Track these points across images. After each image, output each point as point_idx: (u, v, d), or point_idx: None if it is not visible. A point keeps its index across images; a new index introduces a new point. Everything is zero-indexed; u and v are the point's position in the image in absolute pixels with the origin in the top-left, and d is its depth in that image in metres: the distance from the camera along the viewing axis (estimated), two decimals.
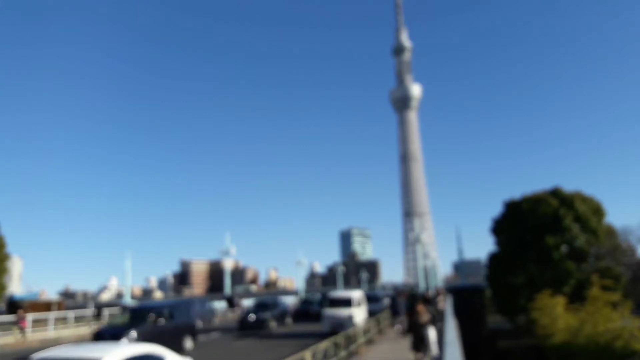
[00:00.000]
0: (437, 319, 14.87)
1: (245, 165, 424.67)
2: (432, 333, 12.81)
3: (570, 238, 47.80)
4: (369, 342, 19.98)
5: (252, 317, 29.09)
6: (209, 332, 28.84)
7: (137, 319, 18.78)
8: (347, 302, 24.47)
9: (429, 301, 26.02)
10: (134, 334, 17.43)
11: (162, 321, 18.95)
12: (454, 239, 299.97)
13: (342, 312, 23.72)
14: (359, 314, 24.20)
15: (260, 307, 31.92)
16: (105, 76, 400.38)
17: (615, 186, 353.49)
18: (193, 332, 21.19)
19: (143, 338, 17.31)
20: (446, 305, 30.31)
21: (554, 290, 39.07)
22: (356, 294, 25.61)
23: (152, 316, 18.84)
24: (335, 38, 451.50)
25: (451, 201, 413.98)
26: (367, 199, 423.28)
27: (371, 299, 36.10)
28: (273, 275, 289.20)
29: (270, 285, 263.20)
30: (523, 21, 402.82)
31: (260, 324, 28.83)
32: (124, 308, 21.89)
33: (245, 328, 28.81)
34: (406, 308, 27.85)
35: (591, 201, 51.02)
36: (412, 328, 13.07)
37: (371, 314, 29.47)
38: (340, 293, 27.32)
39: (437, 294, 35.46)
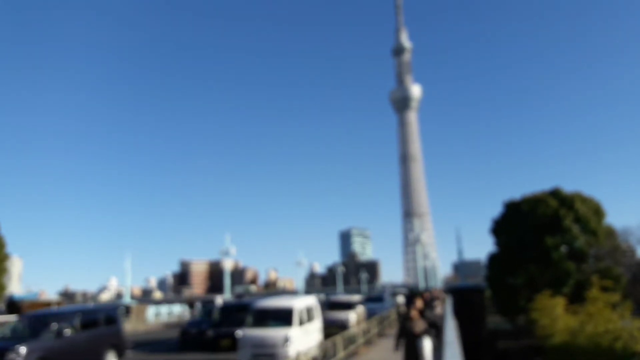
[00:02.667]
0: (434, 326, 12.44)
1: (245, 165, 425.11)
2: (427, 345, 10.62)
3: (570, 239, 47.83)
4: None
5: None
6: (146, 345, 24.46)
7: (38, 329, 14.52)
8: (283, 317, 15.31)
9: (426, 304, 20.68)
10: (22, 350, 13.21)
11: (68, 332, 14.85)
12: (454, 239, 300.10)
13: (274, 334, 14.69)
14: (303, 337, 15.21)
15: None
16: (105, 76, 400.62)
17: (615, 186, 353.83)
18: (119, 346, 17.01)
19: (41, 354, 13.65)
20: (445, 308, 27.29)
21: (553, 291, 39.11)
22: (301, 303, 16.16)
23: (54, 326, 14.58)
24: (335, 38, 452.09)
25: (451, 201, 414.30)
26: (367, 199, 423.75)
27: (374, 299, 35.04)
28: (273, 275, 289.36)
29: (269, 285, 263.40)
30: (523, 21, 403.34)
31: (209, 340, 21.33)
32: (23, 315, 17.87)
33: (188, 346, 21.79)
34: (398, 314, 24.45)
35: (591, 202, 51.07)
36: (405, 339, 10.81)
37: (371, 315, 27.16)
38: (273, 302, 17.12)
39: (433, 297, 28.84)
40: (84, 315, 16.05)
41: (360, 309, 27.14)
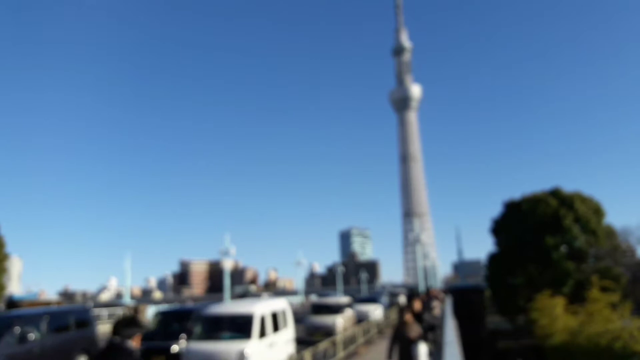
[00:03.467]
0: (432, 330, 11.35)
1: (245, 165, 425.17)
2: (423, 351, 9.66)
3: (570, 238, 47.78)
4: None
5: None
6: None
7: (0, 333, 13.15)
8: (240, 326, 12.35)
9: (423, 306, 18.65)
10: None
11: (32, 337, 13.33)
12: (454, 239, 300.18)
13: (226, 348, 11.67)
14: (267, 352, 12.27)
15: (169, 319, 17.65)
16: (106, 76, 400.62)
17: (615, 186, 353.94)
18: (92, 352, 15.47)
19: None
20: (445, 309, 25.46)
21: (553, 291, 39.06)
22: (265, 308, 13.00)
23: (17, 329, 13.08)
24: (335, 38, 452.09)
25: (451, 201, 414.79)
26: (367, 199, 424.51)
27: (366, 301, 32.41)
28: (273, 275, 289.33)
29: (269, 285, 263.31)
30: (523, 21, 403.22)
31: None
32: None
33: None
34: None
35: (591, 201, 51.05)
36: (399, 344, 9.81)
37: (362, 319, 25.29)
38: (228, 307, 13.68)
39: (431, 297, 25.28)
40: (52, 317, 14.55)
41: (349, 313, 24.41)
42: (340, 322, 22.11)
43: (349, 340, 17.37)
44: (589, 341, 26.02)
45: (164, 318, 17.75)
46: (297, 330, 21.95)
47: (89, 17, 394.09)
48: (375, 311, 28.83)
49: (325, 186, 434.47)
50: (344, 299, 26.35)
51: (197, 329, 12.89)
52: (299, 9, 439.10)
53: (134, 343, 4.81)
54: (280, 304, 14.35)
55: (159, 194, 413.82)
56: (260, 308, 12.70)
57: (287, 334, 14.12)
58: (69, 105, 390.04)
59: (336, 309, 23.32)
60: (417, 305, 11.43)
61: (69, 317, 15.34)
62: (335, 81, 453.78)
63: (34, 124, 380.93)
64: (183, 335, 15.35)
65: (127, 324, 4.88)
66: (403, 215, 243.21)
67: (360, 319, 25.97)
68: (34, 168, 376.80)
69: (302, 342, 18.91)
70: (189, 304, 38.43)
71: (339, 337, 14.36)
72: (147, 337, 15.97)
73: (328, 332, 20.81)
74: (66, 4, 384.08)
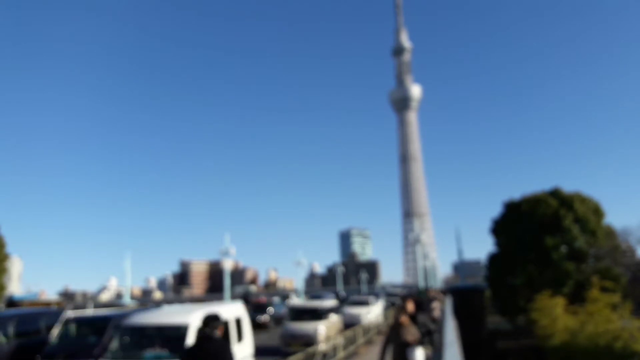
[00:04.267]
0: (429, 333, 10.73)
1: (245, 165, 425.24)
2: (420, 355, 8.68)
3: (570, 239, 47.80)
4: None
5: None
6: None
7: None
8: (171, 341, 9.54)
9: (422, 307, 17.02)
10: None
11: None
12: (454, 239, 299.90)
13: None
14: None
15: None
16: (105, 76, 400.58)
17: (615, 186, 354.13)
18: None
19: None
20: (445, 310, 23.69)
21: (553, 291, 39.08)
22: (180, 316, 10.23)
23: None
24: (335, 38, 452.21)
25: (451, 201, 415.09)
26: (367, 199, 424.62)
27: (358, 303, 29.38)
28: (273, 275, 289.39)
29: (269, 285, 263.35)
30: (522, 21, 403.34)
31: None
32: None
33: None
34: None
35: (590, 202, 51.08)
36: (394, 348, 8.98)
37: (351, 324, 22.60)
38: (157, 316, 10.67)
39: (431, 297, 23.39)
40: (20, 320, 13.88)
41: (334, 319, 21.00)
42: (323, 329, 18.75)
43: (329, 354, 15.33)
44: (589, 341, 26.05)
45: (75, 328, 13.94)
46: (274, 339, 20.16)
47: (89, 16, 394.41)
48: (368, 314, 26.33)
49: (325, 186, 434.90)
50: (328, 302, 22.92)
51: (114, 344, 9.93)
52: (298, 9, 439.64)
53: (219, 332, 5.82)
54: (233, 310, 11.19)
55: (159, 193, 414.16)
56: (200, 317, 9.51)
57: (243, 349, 11.14)
58: (69, 105, 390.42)
59: (319, 314, 19.93)
60: (410, 306, 10.97)
61: (40, 320, 14.74)
62: (335, 81, 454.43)
63: (34, 124, 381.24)
64: (95, 351, 12.06)
65: (213, 318, 5.85)
66: (403, 215, 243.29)
67: (351, 323, 23.27)
68: (34, 168, 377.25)
69: (277, 353, 17.20)
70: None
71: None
72: (47, 354, 12.65)
73: (308, 341, 17.71)
74: (66, 4, 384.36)
